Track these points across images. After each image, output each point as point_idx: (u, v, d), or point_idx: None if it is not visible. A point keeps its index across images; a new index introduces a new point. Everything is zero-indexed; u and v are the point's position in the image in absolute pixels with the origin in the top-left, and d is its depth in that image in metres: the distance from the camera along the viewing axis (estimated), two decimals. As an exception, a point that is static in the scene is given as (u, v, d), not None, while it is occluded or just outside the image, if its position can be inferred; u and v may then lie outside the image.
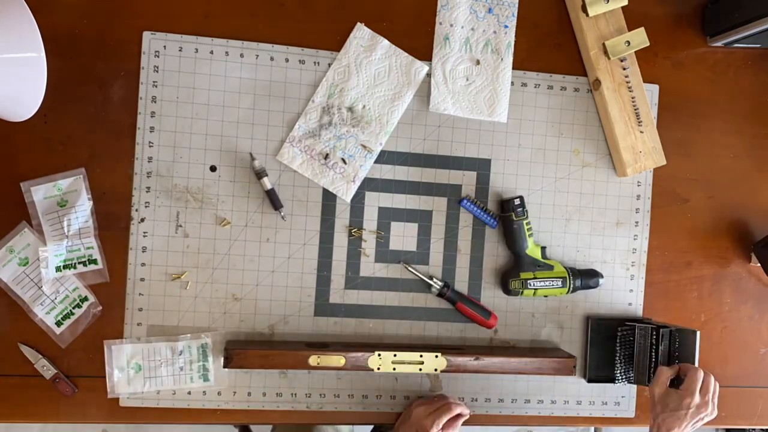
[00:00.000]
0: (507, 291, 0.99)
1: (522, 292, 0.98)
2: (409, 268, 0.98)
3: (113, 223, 0.93)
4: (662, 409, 0.92)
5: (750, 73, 1.08)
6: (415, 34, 0.99)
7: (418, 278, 0.98)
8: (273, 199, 0.95)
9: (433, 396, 0.99)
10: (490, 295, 1.02)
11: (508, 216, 0.98)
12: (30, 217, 0.90)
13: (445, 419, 0.91)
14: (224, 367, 0.92)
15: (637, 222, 1.05)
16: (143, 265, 0.94)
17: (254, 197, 0.96)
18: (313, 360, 0.91)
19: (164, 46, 0.93)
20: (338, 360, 0.92)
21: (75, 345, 0.93)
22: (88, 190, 0.92)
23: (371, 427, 1.27)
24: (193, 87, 0.94)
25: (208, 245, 0.95)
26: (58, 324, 0.92)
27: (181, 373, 0.94)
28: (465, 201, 1.00)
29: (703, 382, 0.92)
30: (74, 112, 0.92)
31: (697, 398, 0.91)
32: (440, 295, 0.98)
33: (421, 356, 0.93)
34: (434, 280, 0.98)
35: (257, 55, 0.95)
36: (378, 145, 0.98)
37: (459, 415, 0.93)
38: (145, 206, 0.94)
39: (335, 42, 0.97)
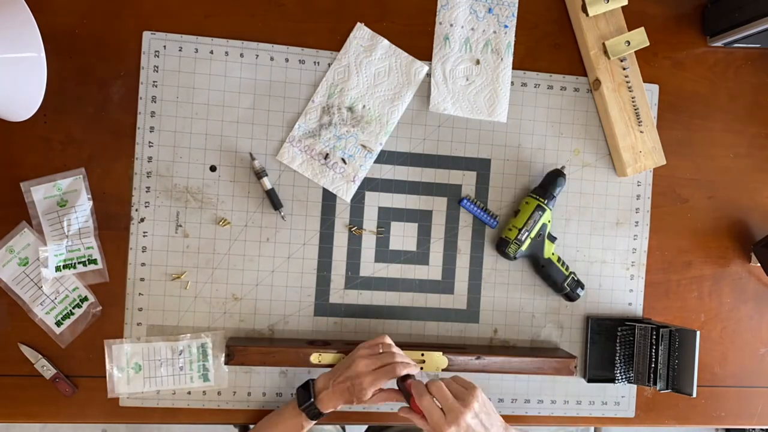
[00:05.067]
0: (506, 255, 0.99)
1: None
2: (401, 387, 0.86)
3: (113, 223, 0.93)
4: None
5: (750, 73, 1.08)
6: (415, 34, 0.99)
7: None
8: (273, 199, 0.95)
9: (379, 344, 0.88)
10: (490, 295, 1.02)
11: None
12: (30, 217, 0.90)
13: (384, 382, 0.83)
14: (225, 363, 0.92)
15: (637, 222, 1.05)
16: (143, 265, 0.94)
17: (254, 197, 0.96)
18: (314, 358, 0.92)
19: (164, 46, 0.93)
20: (339, 358, 0.92)
21: (75, 345, 0.93)
22: (88, 190, 0.92)
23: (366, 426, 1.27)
24: (193, 87, 0.94)
25: (208, 245, 0.95)
26: (58, 324, 0.92)
27: (181, 373, 0.94)
28: (465, 201, 1.00)
29: (434, 409, 0.77)
30: (74, 112, 0.92)
31: (453, 428, 0.75)
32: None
33: (422, 354, 0.93)
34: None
35: (257, 55, 0.95)
36: (378, 145, 0.98)
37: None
38: (145, 206, 0.94)
39: (335, 42, 0.97)
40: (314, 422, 0.87)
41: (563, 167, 1.01)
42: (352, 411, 0.99)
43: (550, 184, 0.98)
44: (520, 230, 0.97)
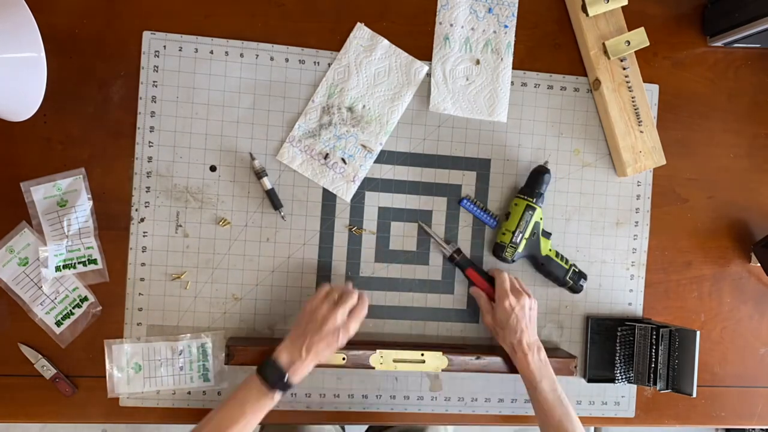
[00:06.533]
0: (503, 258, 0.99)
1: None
2: (425, 227, 0.99)
3: (113, 223, 0.93)
4: (501, 329, 0.94)
5: (750, 73, 1.08)
6: (415, 34, 0.99)
7: (432, 241, 1.00)
8: (273, 199, 0.95)
9: (326, 294, 0.89)
10: (490, 295, 1.02)
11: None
12: (30, 217, 0.90)
13: (362, 317, 0.89)
14: (226, 363, 0.92)
15: (637, 222, 1.05)
16: (143, 265, 0.94)
17: (254, 197, 0.96)
18: (313, 358, 0.91)
19: (164, 46, 0.93)
20: (339, 358, 0.92)
21: (75, 345, 0.93)
22: (88, 190, 0.92)
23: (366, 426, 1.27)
24: (193, 87, 0.94)
25: (208, 245, 0.95)
26: (58, 324, 0.92)
27: (181, 373, 0.94)
28: (465, 201, 1.00)
29: (506, 280, 0.96)
30: (74, 112, 0.92)
31: (512, 297, 0.93)
32: (450, 259, 0.99)
33: (422, 354, 0.93)
34: (449, 244, 0.99)
35: (257, 55, 0.95)
36: (378, 145, 0.98)
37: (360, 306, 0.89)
38: (145, 206, 0.94)
39: (335, 42, 0.97)
40: (281, 395, 0.84)
41: (546, 162, 1.01)
42: (351, 411, 0.99)
43: (535, 182, 0.98)
44: (513, 233, 0.97)
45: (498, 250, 0.98)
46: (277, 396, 0.84)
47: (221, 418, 0.82)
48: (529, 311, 0.94)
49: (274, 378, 0.83)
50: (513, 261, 0.98)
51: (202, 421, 0.83)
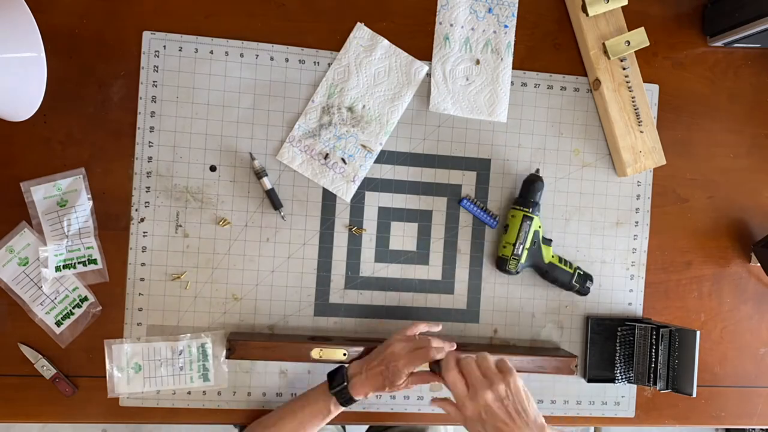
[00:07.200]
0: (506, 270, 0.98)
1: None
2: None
3: (113, 223, 0.93)
4: (479, 425, 0.75)
5: (750, 73, 1.08)
6: (415, 34, 0.99)
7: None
8: (273, 199, 0.95)
9: (415, 333, 0.90)
10: (490, 295, 1.02)
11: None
12: (30, 217, 0.90)
13: (418, 365, 0.84)
14: (227, 358, 0.92)
15: (637, 222, 1.05)
16: (143, 265, 0.94)
17: (254, 197, 0.96)
18: (315, 353, 0.92)
19: (164, 46, 0.93)
20: (340, 353, 0.92)
21: (75, 345, 0.93)
22: (88, 190, 0.92)
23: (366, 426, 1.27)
24: (193, 87, 0.94)
25: (208, 245, 0.95)
26: (58, 324, 0.92)
27: (180, 373, 0.94)
28: (465, 201, 1.00)
29: (459, 366, 0.79)
30: (74, 112, 0.92)
31: (476, 395, 0.75)
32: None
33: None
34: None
35: (257, 55, 0.95)
36: (378, 145, 0.98)
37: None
38: (145, 206, 0.94)
39: (335, 42, 0.97)
40: (342, 408, 0.87)
41: (537, 170, 1.01)
42: (352, 411, 0.99)
43: (528, 192, 0.98)
44: (514, 245, 0.97)
45: (501, 264, 0.98)
46: (336, 407, 0.87)
47: (287, 408, 0.89)
48: (507, 401, 0.75)
49: (336, 382, 0.86)
50: (517, 272, 0.98)
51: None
